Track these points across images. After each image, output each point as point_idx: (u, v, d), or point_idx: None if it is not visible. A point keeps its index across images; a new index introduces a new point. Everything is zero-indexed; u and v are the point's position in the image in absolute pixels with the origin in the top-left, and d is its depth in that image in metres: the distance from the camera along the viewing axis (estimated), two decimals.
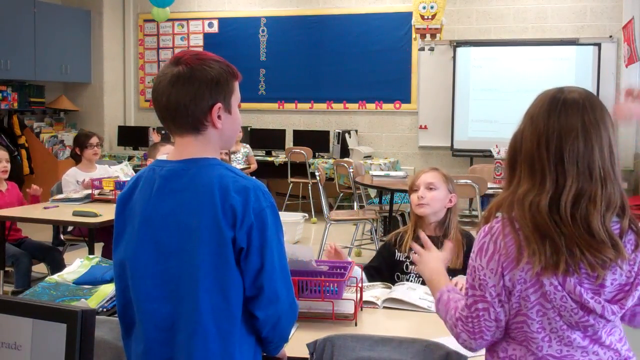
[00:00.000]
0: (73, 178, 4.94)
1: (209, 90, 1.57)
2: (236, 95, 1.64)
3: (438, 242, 2.69)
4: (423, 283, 2.63)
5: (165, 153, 3.83)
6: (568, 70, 7.78)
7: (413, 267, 2.70)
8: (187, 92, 1.56)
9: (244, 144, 7.61)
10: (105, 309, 2.14)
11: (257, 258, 1.53)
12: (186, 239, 1.54)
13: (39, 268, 4.61)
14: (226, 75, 1.60)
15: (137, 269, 1.59)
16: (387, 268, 2.76)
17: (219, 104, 1.58)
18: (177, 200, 1.56)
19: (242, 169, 6.90)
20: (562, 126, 1.43)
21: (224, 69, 1.60)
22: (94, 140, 5.05)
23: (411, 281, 2.66)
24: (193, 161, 1.59)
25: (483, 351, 1.60)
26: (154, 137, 8.57)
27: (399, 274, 2.73)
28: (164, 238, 1.56)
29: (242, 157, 7.45)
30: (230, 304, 1.54)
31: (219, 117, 1.59)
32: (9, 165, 4.52)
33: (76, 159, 5.10)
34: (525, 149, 1.47)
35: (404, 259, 2.74)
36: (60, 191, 4.90)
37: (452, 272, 2.66)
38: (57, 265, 4.37)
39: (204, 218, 1.52)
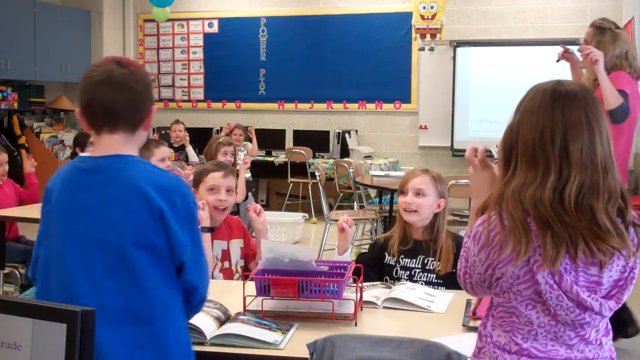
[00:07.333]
0: None
1: (149, 93, 1.69)
2: None
3: (426, 246, 2.67)
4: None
5: (162, 156, 3.76)
6: (568, 70, 7.74)
7: (403, 272, 2.67)
8: (136, 94, 1.65)
9: (245, 142, 7.54)
10: None
11: (189, 248, 1.61)
12: (109, 231, 1.56)
13: None
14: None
15: (63, 261, 1.59)
16: (376, 267, 2.70)
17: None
18: (101, 193, 1.59)
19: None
20: (567, 119, 1.45)
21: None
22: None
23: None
24: (118, 157, 1.63)
25: (475, 346, 1.61)
26: (155, 137, 8.53)
27: (388, 277, 2.67)
28: (84, 230, 1.58)
29: (245, 155, 7.38)
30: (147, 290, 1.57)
31: None
32: (6, 167, 4.49)
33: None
34: (523, 142, 1.48)
35: (393, 264, 2.68)
36: None
37: (442, 277, 2.63)
38: None
39: (132, 211, 1.56)
